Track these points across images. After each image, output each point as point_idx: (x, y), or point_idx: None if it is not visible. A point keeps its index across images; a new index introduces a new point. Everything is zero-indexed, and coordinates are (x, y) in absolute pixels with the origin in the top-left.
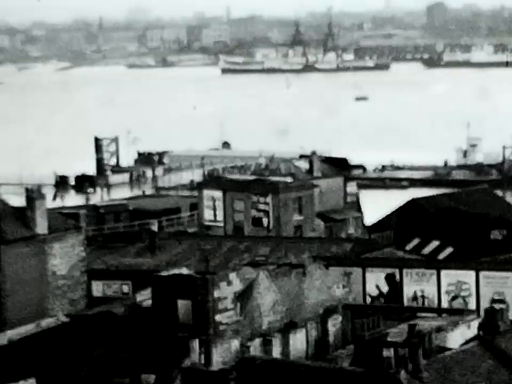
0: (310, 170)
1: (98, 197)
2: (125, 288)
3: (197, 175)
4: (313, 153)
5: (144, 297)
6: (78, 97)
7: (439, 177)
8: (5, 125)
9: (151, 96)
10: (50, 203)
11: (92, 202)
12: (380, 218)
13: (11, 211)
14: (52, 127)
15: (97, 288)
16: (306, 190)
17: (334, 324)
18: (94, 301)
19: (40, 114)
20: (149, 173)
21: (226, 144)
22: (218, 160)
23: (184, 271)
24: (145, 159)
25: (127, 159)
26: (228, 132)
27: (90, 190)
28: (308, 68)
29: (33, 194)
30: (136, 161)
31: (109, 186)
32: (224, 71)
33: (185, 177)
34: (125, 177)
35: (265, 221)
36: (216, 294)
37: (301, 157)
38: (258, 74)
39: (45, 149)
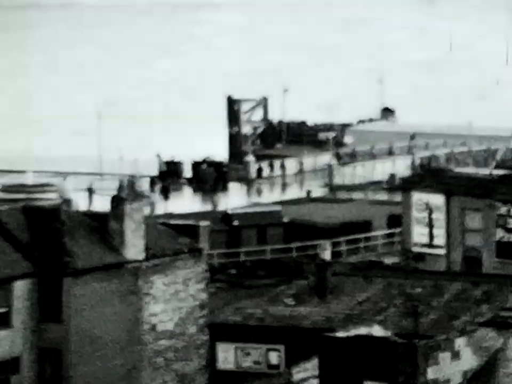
0: None
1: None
2: (273, 357)
3: (400, 166)
4: None
5: (307, 373)
6: (196, 31)
7: None
8: (80, 77)
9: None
10: (151, 207)
11: (220, 207)
12: None
13: (84, 221)
14: (146, 81)
15: (227, 356)
16: None
17: None
18: (221, 377)
19: (128, 61)
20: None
21: (387, 111)
22: (440, 142)
23: (377, 331)
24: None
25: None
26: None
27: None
28: None
29: (121, 193)
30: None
31: (249, 181)
32: None
33: (380, 169)
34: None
35: None
36: (432, 372)
37: None
38: None
39: (140, 118)
